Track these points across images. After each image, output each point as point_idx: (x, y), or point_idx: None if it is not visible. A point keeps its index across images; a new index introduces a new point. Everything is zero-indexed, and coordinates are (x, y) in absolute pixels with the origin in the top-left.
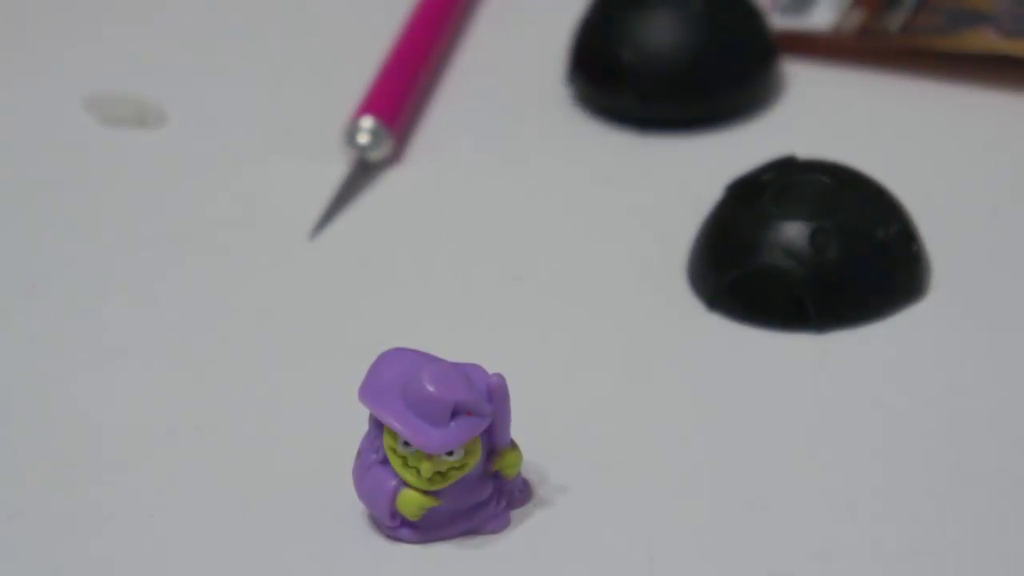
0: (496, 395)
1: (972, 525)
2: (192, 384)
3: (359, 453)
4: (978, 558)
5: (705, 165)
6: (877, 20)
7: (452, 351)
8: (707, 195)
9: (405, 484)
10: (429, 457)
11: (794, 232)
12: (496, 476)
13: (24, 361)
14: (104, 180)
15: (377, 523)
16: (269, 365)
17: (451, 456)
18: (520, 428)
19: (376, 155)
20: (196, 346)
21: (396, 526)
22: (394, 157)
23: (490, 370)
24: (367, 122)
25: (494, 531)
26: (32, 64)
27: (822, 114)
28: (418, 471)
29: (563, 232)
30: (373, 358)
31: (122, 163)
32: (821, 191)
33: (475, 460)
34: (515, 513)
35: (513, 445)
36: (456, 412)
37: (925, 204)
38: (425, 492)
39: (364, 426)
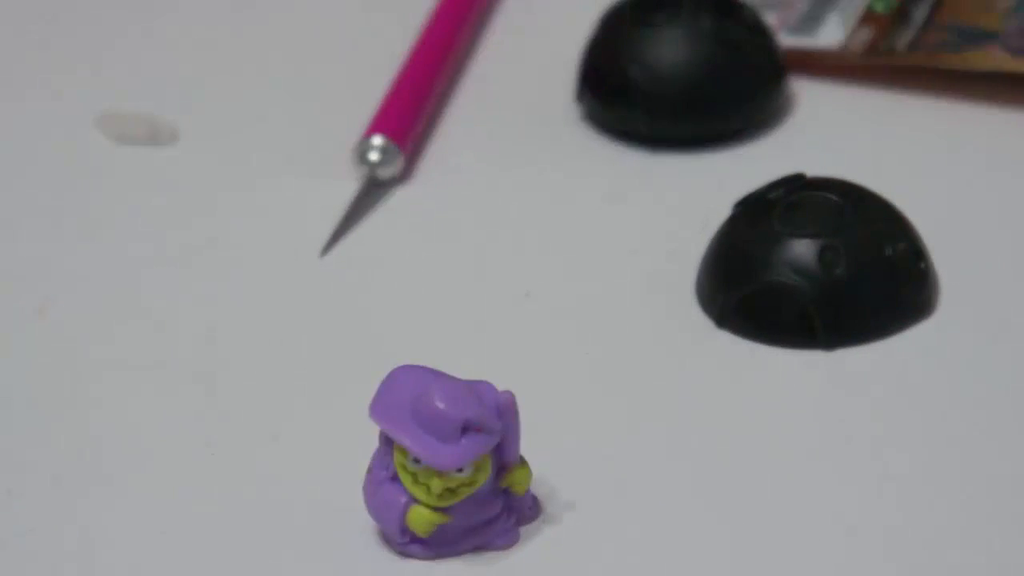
0: (506, 412)
1: (981, 541)
2: (202, 400)
3: (369, 470)
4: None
5: (714, 182)
6: (885, 38)
7: (462, 368)
8: (716, 212)
9: (415, 501)
10: (439, 474)
11: (802, 249)
12: (506, 493)
13: (35, 378)
14: (116, 198)
15: (387, 539)
16: (280, 382)
17: (461, 473)
18: (529, 445)
19: (386, 173)
20: (206, 362)
21: (406, 542)
22: (404, 175)
23: (500, 387)
24: (377, 140)
25: (504, 547)
26: (45, 83)
27: (830, 132)
28: (428, 488)
29: (572, 249)
30: (383, 375)
31: (134, 181)
32: (829, 208)
33: (485, 477)
34: (524, 529)
35: (522, 462)
36: (466, 429)
37: (933, 221)
38: (435, 508)
39: (374, 443)
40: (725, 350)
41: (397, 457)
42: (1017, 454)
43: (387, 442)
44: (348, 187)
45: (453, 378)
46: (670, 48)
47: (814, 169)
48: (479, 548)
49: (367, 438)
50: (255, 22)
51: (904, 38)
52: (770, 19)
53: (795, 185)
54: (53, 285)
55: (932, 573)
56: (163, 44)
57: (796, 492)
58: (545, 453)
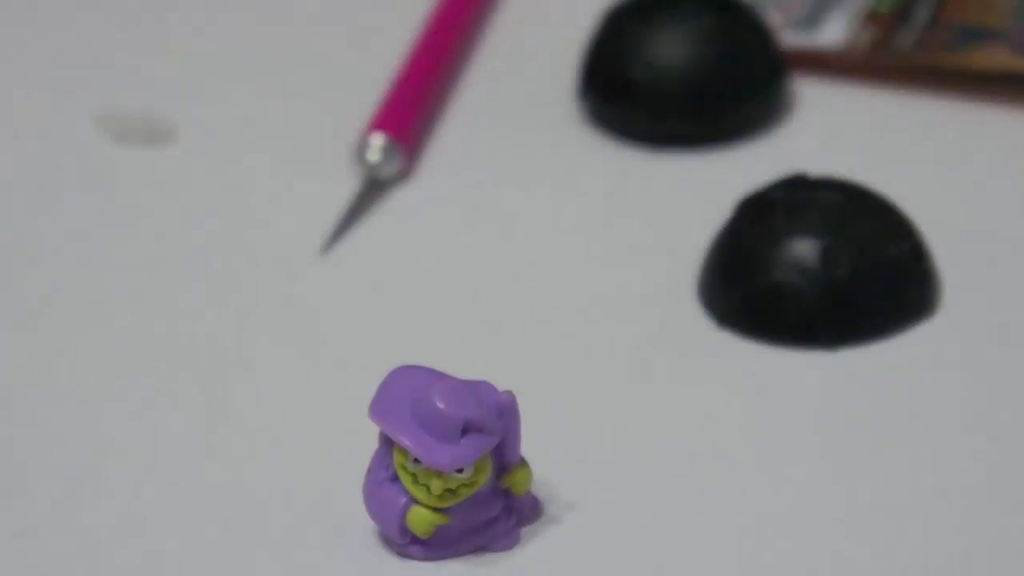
0: (506, 412)
1: (982, 540)
2: (201, 400)
3: (369, 470)
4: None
5: (715, 182)
6: (888, 37)
7: (462, 368)
8: (718, 212)
9: (415, 501)
10: (439, 474)
11: (804, 249)
12: (506, 493)
13: (34, 376)
14: (115, 197)
15: (387, 540)
16: (279, 381)
17: (461, 473)
18: (530, 445)
19: (386, 172)
20: (206, 362)
21: (406, 543)
22: (404, 174)
23: (500, 387)
24: (377, 139)
25: (504, 548)
26: (44, 82)
27: (832, 131)
28: (428, 488)
29: (573, 249)
30: (383, 375)
31: (133, 180)
32: (831, 208)
33: (485, 477)
34: (525, 530)
35: (523, 462)
36: (466, 429)
37: (935, 221)
38: (435, 509)
39: (374, 443)
40: (727, 350)
41: (397, 457)
42: (1019, 454)
43: (387, 442)
44: (348, 186)
45: (453, 378)
46: (672, 47)
47: (816, 168)
48: (479, 549)
49: (367, 438)
50: (254, 21)
51: (907, 37)
52: (772, 18)
53: (797, 185)
54: (51, 284)
55: (932, 572)
56: (161, 43)
57: (797, 492)
58: (546, 453)
